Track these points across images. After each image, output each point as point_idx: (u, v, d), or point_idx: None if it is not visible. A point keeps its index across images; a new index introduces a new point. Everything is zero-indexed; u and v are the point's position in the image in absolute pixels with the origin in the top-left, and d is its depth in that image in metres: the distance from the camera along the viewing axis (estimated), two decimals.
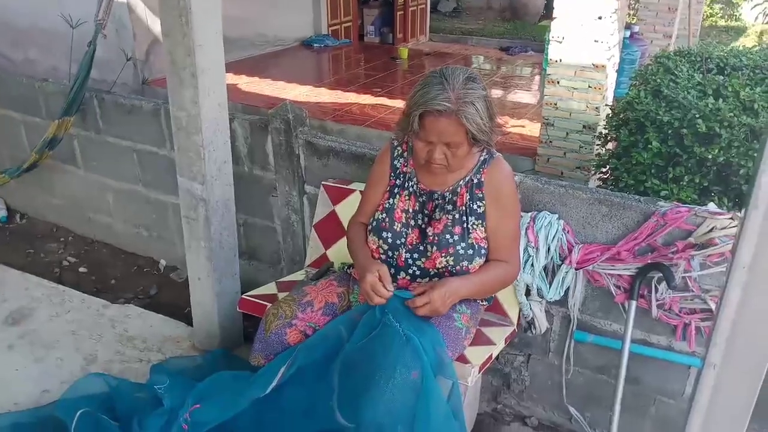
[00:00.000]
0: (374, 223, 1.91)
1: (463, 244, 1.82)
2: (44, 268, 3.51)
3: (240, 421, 1.85)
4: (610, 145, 2.84)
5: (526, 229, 2.08)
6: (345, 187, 2.47)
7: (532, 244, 2.09)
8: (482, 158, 1.88)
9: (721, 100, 2.33)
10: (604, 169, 2.75)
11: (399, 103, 4.83)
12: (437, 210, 1.88)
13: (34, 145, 3.41)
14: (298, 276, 2.48)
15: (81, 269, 3.55)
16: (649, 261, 1.98)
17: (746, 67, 2.75)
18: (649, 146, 2.36)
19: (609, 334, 2.17)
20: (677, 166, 2.33)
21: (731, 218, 1.86)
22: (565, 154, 3.58)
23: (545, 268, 2.14)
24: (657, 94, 2.52)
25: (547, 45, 4.21)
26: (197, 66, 2.26)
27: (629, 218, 2.02)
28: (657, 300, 2.01)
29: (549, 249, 2.09)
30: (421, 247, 1.86)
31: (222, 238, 2.58)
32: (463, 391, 1.81)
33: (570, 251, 2.08)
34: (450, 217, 1.85)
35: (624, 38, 4.33)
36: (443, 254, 1.82)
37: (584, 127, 3.45)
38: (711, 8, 11.51)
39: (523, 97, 5.45)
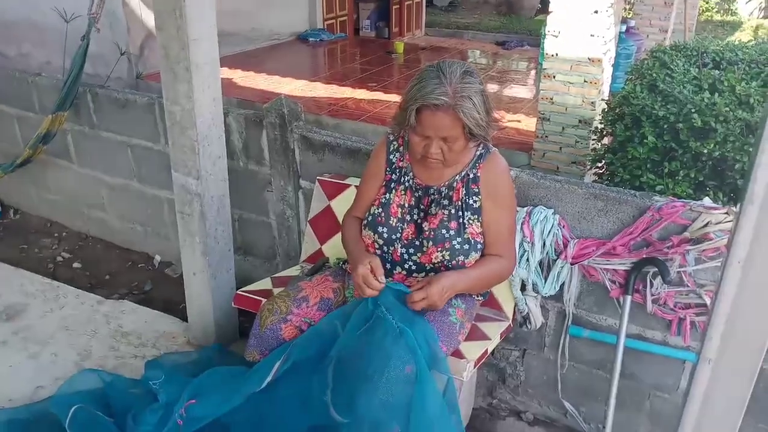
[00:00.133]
0: (370, 218, 1.91)
1: (459, 239, 1.82)
2: (38, 264, 3.50)
3: (235, 416, 1.86)
4: (605, 140, 2.84)
5: (522, 224, 2.08)
6: (340, 182, 2.46)
7: (528, 239, 2.09)
8: (478, 153, 1.88)
9: (716, 94, 2.33)
10: (599, 164, 2.75)
11: (395, 98, 4.81)
12: (433, 205, 1.88)
13: (28, 140, 3.39)
14: (294, 271, 2.48)
15: (75, 265, 3.54)
16: (644, 256, 1.98)
17: (742, 61, 2.75)
18: (645, 141, 2.36)
19: (604, 329, 2.18)
20: (673, 161, 2.33)
21: (726, 213, 1.86)
22: (560, 148, 3.57)
23: (540, 263, 2.14)
24: (653, 89, 2.52)
25: (543, 39, 4.22)
26: (191, 60, 2.25)
27: (625, 213, 2.02)
28: (652, 295, 2.01)
29: (544, 244, 2.09)
30: (417, 242, 1.86)
31: (217, 234, 2.57)
32: (458, 386, 1.82)
33: (565, 246, 2.08)
34: (446, 212, 1.85)
35: (620, 33, 4.33)
36: (439, 249, 1.82)
37: (580, 121, 3.45)
38: (707, 3, 11.53)
39: (519, 91, 5.44)
